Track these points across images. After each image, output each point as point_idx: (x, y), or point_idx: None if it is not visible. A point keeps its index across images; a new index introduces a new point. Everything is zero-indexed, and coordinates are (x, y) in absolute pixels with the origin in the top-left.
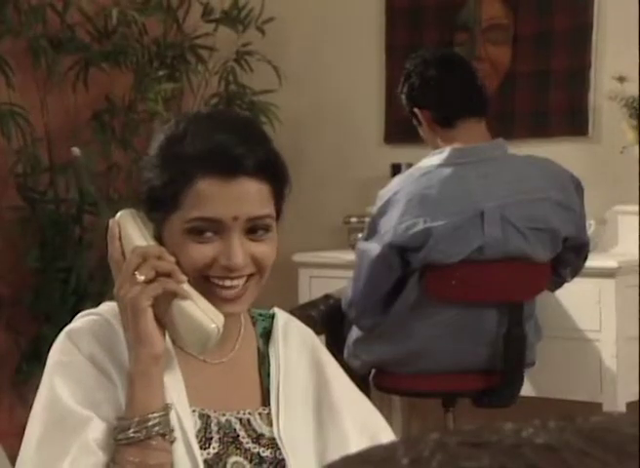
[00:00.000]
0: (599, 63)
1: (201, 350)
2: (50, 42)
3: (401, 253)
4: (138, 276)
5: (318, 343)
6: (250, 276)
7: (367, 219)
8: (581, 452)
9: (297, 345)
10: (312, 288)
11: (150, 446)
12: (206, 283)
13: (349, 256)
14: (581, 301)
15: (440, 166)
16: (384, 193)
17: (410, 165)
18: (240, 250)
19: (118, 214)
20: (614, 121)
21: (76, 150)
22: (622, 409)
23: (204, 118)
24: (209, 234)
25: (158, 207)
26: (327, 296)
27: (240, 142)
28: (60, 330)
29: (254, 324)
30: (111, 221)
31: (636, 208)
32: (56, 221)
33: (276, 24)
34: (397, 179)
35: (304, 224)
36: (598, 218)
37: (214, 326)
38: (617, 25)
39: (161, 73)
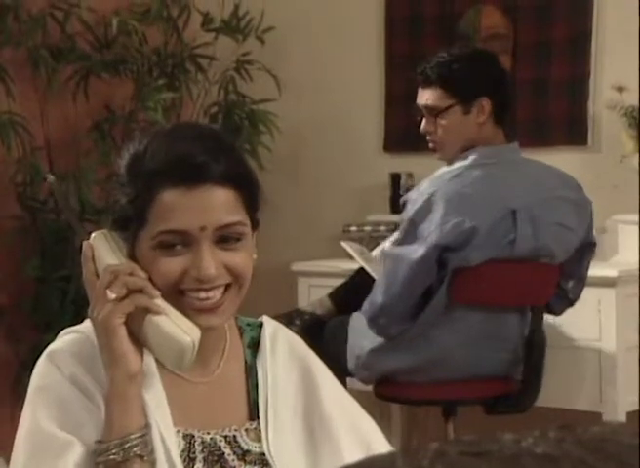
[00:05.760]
0: (598, 73)
1: (178, 365)
2: (50, 51)
3: (441, 254)
4: (109, 294)
5: (308, 351)
6: (228, 286)
7: (367, 228)
8: (581, 462)
9: (285, 354)
10: (311, 297)
11: None
12: (181, 297)
13: (348, 265)
14: (581, 310)
15: (470, 167)
16: (418, 196)
17: (409, 174)
18: (211, 260)
19: (92, 235)
20: (613, 130)
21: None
22: (622, 418)
23: (166, 132)
24: (178, 247)
25: (127, 225)
26: (299, 311)
27: (201, 151)
28: None
29: (241, 335)
30: (84, 243)
31: (636, 217)
32: (55, 230)
33: (276, 34)
34: (427, 183)
35: (303, 233)
36: (598, 228)
37: (189, 339)
38: (616, 35)
39: (161, 82)
